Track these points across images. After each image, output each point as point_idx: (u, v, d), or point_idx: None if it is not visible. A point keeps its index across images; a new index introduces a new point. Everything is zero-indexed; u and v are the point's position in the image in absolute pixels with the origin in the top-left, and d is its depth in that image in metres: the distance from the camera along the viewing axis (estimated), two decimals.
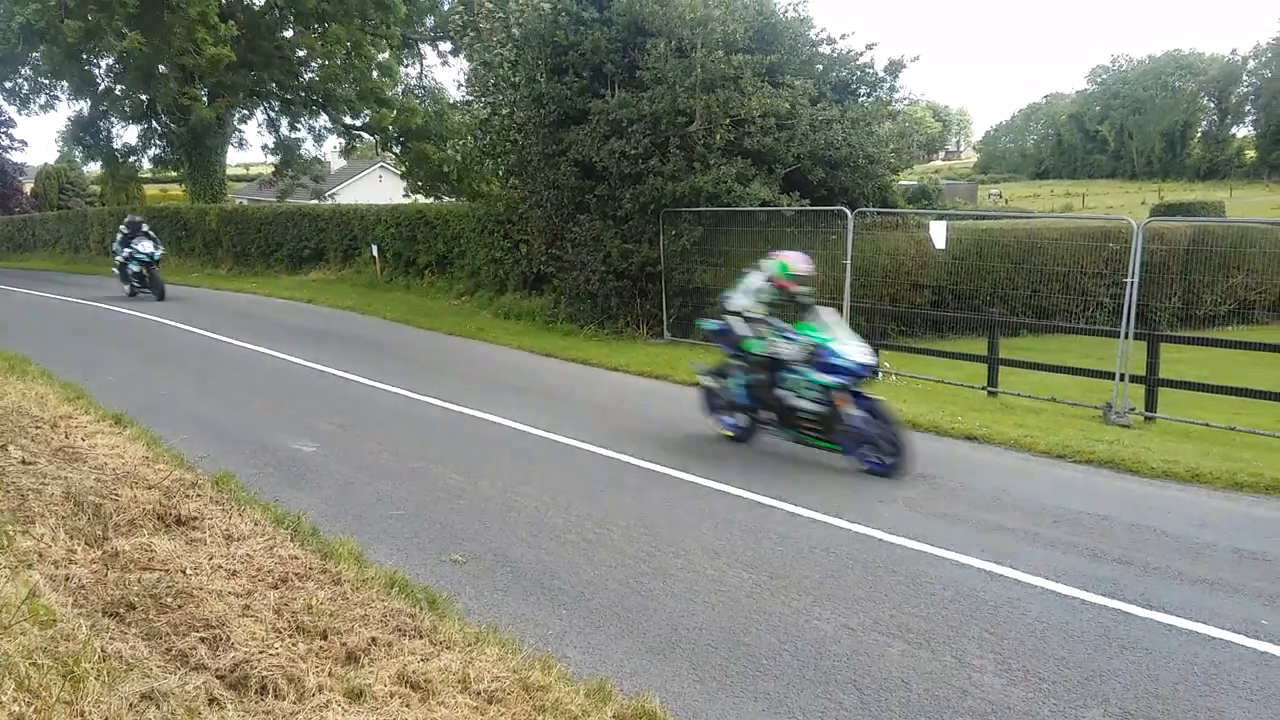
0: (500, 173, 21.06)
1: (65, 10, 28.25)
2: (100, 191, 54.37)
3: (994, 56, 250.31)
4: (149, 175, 42.20)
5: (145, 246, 23.16)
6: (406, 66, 38.60)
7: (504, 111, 19.72)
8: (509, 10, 19.34)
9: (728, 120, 16.27)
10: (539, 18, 18.21)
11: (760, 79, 16.52)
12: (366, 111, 34.69)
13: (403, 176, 38.33)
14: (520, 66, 18.97)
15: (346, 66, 31.92)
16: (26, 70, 34.12)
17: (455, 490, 8.05)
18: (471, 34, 20.76)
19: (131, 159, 36.71)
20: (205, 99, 31.24)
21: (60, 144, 38.22)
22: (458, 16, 24.72)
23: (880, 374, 14.50)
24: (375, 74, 33.33)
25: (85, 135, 35.33)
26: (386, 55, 35.17)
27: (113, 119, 35.55)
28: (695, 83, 16.23)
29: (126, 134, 37.08)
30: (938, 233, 14.75)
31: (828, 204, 16.49)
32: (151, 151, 36.70)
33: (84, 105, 35.03)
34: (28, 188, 58.27)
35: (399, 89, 36.74)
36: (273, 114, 37.25)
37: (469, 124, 21.77)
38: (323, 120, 37.51)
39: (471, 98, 21.59)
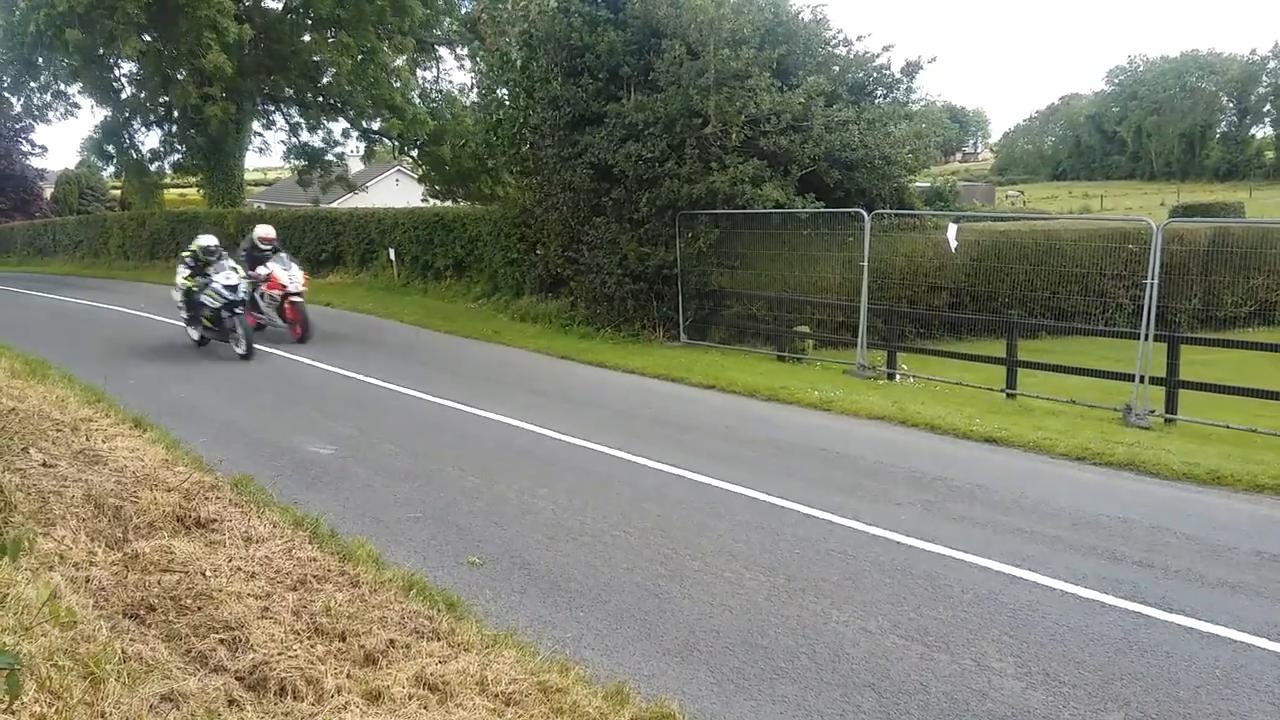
0: (511, 171, 21.07)
1: (78, 18, 28.40)
2: (121, 196, 54.70)
3: (1011, 58, 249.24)
4: (168, 181, 42.42)
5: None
6: (424, 70, 38.69)
7: (512, 112, 19.77)
8: (504, 18, 19.40)
9: (742, 119, 16.23)
10: (550, 19, 18.22)
11: (771, 73, 16.46)
12: (380, 116, 34.76)
13: (420, 180, 38.37)
14: (530, 69, 19.00)
15: (359, 73, 31.98)
16: (44, 77, 34.25)
17: (473, 493, 8.07)
18: (475, 42, 20.87)
19: (156, 165, 36.88)
20: (220, 99, 31.34)
21: (83, 153, 38.23)
22: (457, 27, 24.87)
23: (898, 376, 14.47)
24: (392, 80, 33.37)
25: (109, 144, 35.47)
26: (403, 60, 35.21)
27: (135, 124, 35.71)
28: (709, 83, 16.21)
29: (149, 139, 37.22)
30: (950, 235, 14.77)
31: (844, 206, 16.43)
32: (173, 157, 36.88)
33: (106, 112, 35.24)
34: (48, 193, 58.75)
35: (414, 93, 36.79)
36: (290, 118, 37.41)
37: (480, 125, 21.87)
38: (341, 124, 37.69)
39: (480, 99, 21.69)
